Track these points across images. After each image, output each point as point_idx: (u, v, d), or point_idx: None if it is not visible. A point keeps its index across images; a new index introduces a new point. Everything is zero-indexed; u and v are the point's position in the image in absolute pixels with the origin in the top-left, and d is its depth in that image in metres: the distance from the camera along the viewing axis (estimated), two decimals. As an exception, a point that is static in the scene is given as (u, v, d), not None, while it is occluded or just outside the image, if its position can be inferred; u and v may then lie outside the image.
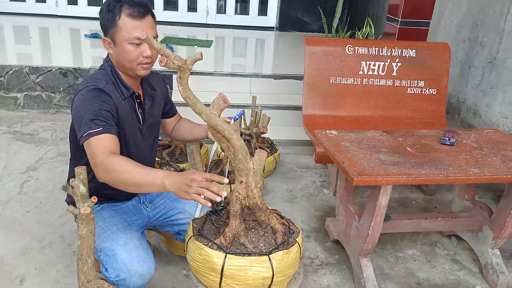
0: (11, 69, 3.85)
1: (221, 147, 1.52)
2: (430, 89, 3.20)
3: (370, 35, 4.11)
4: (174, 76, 3.90)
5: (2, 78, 3.85)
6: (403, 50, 3.15)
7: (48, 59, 4.25)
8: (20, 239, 2.29)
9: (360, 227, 2.12)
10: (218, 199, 1.33)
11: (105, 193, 1.75)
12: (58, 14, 5.94)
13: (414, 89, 3.18)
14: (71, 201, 1.72)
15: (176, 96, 3.75)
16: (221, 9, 6.30)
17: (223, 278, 1.46)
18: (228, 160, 1.84)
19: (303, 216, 2.69)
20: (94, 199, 1.43)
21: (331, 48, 3.08)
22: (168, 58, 1.26)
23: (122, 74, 1.68)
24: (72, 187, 1.42)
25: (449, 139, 2.20)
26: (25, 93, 3.91)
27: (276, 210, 1.74)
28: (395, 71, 3.15)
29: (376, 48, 3.11)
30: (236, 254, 1.45)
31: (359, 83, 3.11)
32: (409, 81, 3.17)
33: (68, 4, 5.96)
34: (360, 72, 3.10)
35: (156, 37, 1.64)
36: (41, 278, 2.04)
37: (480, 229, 2.31)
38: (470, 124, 4.14)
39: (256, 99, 2.95)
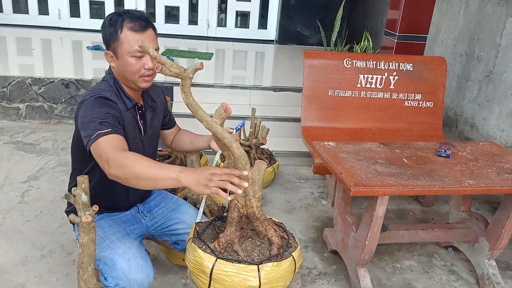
0: (14, 80, 3.89)
1: (220, 157, 1.55)
2: (427, 102, 3.24)
3: (368, 49, 4.17)
4: (175, 88, 3.95)
5: (4, 89, 3.90)
6: (400, 63, 3.20)
7: (50, 70, 4.31)
8: (20, 248, 2.31)
9: (357, 237, 2.14)
10: (240, 191, 1.34)
11: (104, 204, 1.77)
12: (61, 26, 6.02)
13: (411, 102, 3.23)
14: (70, 211, 1.75)
15: (177, 108, 3.83)
16: (221, 23, 6.39)
17: (212, 282, 1.50)
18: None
19: (302, 226, 2.71)
20: (96, 207, 1.45)
21: (329, 61, 3.13)
22: (165, 66, 1.30)
23: (124, 86, 1.72)
24: (74, 196, 1.44)
25: (445, 151, 2.23)
26: (27, 103, 3.95)
27: (281, 223, 1.76)
28: (392, 84, 3.19)
29: (374, 62, 3.17)
30: (226, 259, 1.49)
31: (357, 96, 3.15)
32: (406, 94, 3.22)
33: (71, 16, 6.04)
34: (358, 85, 3.15)
35: (157, 49, 1.68)
36: (41, 286, 2.06)
37: (476, 240, 2.34)
38: (467, 136, 4.19)
39: (256, 111, 2.99)
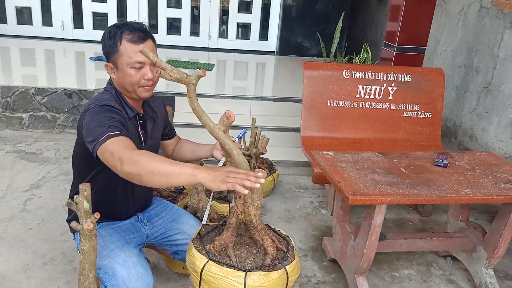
0: (17, 90, 3.94)
1: (222, 166, 1.58)
2: (425, 113, 3.28)
3: (368, 60, 4.22)
4: (177, 98, 4.00)
5: (8, 99, 3.94)
6: (399, 75, 3.25)
7: (53, 80, 4.36)
8: (22, 256, 2.33)
9: (356, 246, 2.16)
10: (258, 185, 1.35)
11: (104, 213, 1.78)
12: (64, 38, 6.09)
13: (410, 112, 3.26)
14: (71, 220, 1.77)
15: (178, 117, 3.87)
16: (223, 34, 6.46)
17: (201, 282, 1.55)
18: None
19: (301, 235, 2.73)
20: (97, 215, 1.47)
21: (328, 72, 3.17)
22: (165, 71, 1.34)
23: (125, 96, 1.75)
24: (76, 203, 1.47)
25: (442, 161, 2.26)
26: (30, 113, 4.00)
27: (288, 236, 1.75)
28: (391, 95, 3.23)
29: (373, 73, 3.21)
30: (217, 262, 1.53)
31: (356, 106, 3.19)
32: (405, 104, 3.25)
33: (74, 28, 6.12)
34: (357, 96, 3.19)
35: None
36: (42, 293, 2.08)
37: (474, 249, 2.35)
38: (466, 147, 4.21)
39: (256, 121, 3.03)
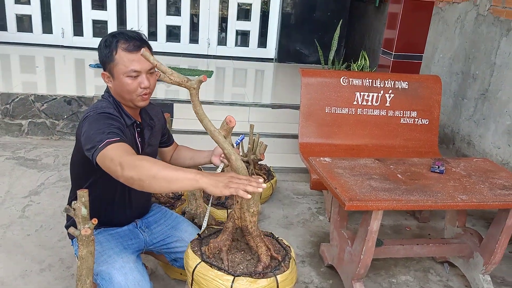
0: (17, 97, 3.96)
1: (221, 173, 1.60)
2: (422, 120, 3.30)
3: (365, 68, 4.24)
4: (175, 105, 4.02)
5: (7, 106, 3.96)
6: (396, 82, 3.27)
7: (53, 87, 4.38)
8: (20, 262, 2.33)
9: (352, 252, 2.17)
10: (260, 189, 1.36)
11: (102, 220, 1.78)
12: (64, 45, 6.12)
13: (407, 119, 3.28)
14: (69, 226, 1.78)
15: (177, 124, 3.88)
16: (222, 41, 6.49)
17: (193, 281, 1.58)
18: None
19: (299, 241, 2.74)
20: (95, 221, 1.48)
21: (326, 79, 3.20)
22: (165, 74, 1.36)
23: (122, 105, 1.75)
24: (74, 209, 1.48)
25: (438, 167, 2.27)
26: (29, 120, 4.02)
27: (289, 246, 1.74)
28: (388, 102, 3.25)
29: (370, 80, 3.23)
30: (208, 263, 1.55)
31: (353, 113, 3.21)
32: (402, 111, 3.27)
33: (74, 35, 6.15)
34: (355, 103, 3.21)
35: (153, 67, 1.71)
36: (40, 299, 2.08)
37: (471, 255, 2.36)
38: (464, 153, 4.23)
39: (255, 128, 3.05)
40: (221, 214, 2.64)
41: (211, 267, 1.54)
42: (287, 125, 4.08)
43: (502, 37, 3.77)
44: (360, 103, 3.22)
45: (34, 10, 6.00)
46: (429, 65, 4.93)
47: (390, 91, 3.25)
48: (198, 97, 1.48)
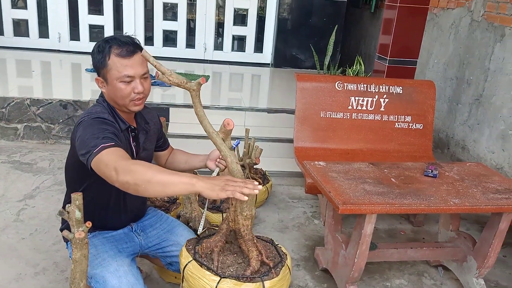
0: (13, 101, 3.96)
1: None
2: (416, 124, 3.32)
3: (360, 73, 4.27)
4: (171, 109, 4.03)
5: (3, 110, 3.96)
6: (390, 87, 3.29)
7: (49, 91, 4.38)
8: (14, 265, 2.33)
9: (347, 255, 2.18)
10: (256, 191, 1.36)
11: (97, 223, 1.77)
12: (61, 49, 6.13)
13: (402, 123, 3.30)
14: (64, 229, 1.78)
15: (172, 128, 3.89)
16: (218, 46, 6.52)
17: (183, 278, 1.60)
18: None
19: (294, 245, 2.75)
20: (89, 224, 1.48)
21: (321, 84, 3.22)
22: (164, 75, 1.38)
23: (117, 109, 1.76)
24: (68, 212, 1.48)
25: (432, 171, 2.29)
26: (25, 124, 4.01)
27: (286, 254, 1.71)
28: (383, 107, 3.28)
29: (365, 85, 3.26)
30: (199, 263, 1.56)
31: (348, 118, 3.23)
32: (396, 116, 3.29)
33: (71, 40, 6.16)
34: (349, 107, 3.23)
35: (147, 72, 1.72)
36: (34, 303, 2.08)
37: (464, 259, 2.38)
38: (458, 158, 4.25)
39: (251, 132, 3.06)
40: (216, 218, 2.65)
41: (200, 266, 1.56)
42: (283, 130, 4.10)
43: (496, 43, 3.81)
44: (355, 107, 3.24)
45: (30, 14, 6.01)
46: (424, 70, 4.97)
47: (385, 96, 3.28)
48: (200, 99, 1.49)
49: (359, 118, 3.25)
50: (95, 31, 6.24)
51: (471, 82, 4.15)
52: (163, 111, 3.98)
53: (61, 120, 4.05)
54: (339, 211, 1.89)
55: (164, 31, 6.36)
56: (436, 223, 3.14)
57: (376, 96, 3.26)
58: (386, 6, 3.86)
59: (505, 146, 3.62)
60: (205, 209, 2.04)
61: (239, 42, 6.57)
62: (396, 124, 3.29)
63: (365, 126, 3.26)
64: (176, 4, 6.23)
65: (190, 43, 6.42)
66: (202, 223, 1.98)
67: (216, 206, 2.73)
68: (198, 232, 1.94)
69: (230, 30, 6.41)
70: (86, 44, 6.14)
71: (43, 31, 6.11)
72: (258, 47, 6.54)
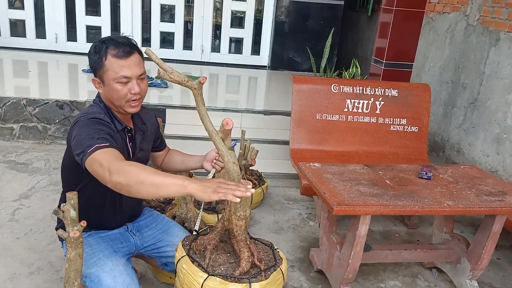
0: (9, 101, 3.96)
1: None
2: (412, 127, 3.34)
3: (356, 75, 4.29)
4: (168, 110, 4.03)
5: (-1, 109, 3.96)
6: (386, 89, 3.31)
7: (45, 92, 4.38)
8: (9, 265, 2.33)
9: (341, 256, 2.19)
10: (248, 194, 1.35)
11: (92, 223, 1.77)
12: (58, 50, 6.12)
13: (397, 126, 3.32)
14: (59, 228, 1.78)
15: (169, 129, 3.89)
16: (215, 48, 6.53)
17: (176, 273, 1.65)
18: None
19: (289, 246, 2.75)
20: (84, 223, 1.48)
21: (317, 86, 3.23)
22: (166, 72, 1.40)
23: (113, 110, 1.76)
24: (63, 211, 1.48)
25: (426, 174, 2.31)
26: (21, 124, 4.01)
27: (282, 259, 1.70)
28: (378, 109, 3.29)
29: (360, 87, 3.27)
30: (191, 258, 1.59)
31: (344, 120, 3.24)
32: (392, 118, 3.31)
33: (68, 40, 6.16)
34: (345, 110, 3.25)
35: (143, 73, 1.73)
36: (28, 303, 2.08)
37: (458, 261, 2.39)
38: (454, 161, 4.28)
39: (247, 134, 3.06)
40: (211, 218, 2.65)
41: (192, 262, 1.58)
42: (279, 132, 4.11)
43: (491, 47, 3.84)
44: (350, 110, 3.25)
45: (28, 15, 6.00)
46: (420, 74, 5.00)
47: (380, 98, 3.29)
48: (202, 97, 1.50)
49: (354, 120, 3.26)
50: (92, 32, 6.24)
51: (466, 86, 4.17)
52: (159, 112, 3.98)
53: (57, 121, 4.04)
54: (334, 212, 1.90)
55: (161, 33, 6.37)
56: (431, 225, 3.15)
57: (372, 99, 3.28)
58: (382, 10, 3.89)
59: (500, 150, 3.64)
60: (201, 210, 2.05)
61: (236, 44, 6.58)
62: (392, 127, 3.31)
63: (361, 129, 3.27)
64: (174, 6, 6.24)
65: (187, 45, 6.43)
66: (197, 223, 1.99)
67: (211, 207, 2.74)
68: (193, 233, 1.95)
69: (227, 32, 6.43)
70: (83, 45, 6.14)
71: (40, 32, 6.11)
72: (255, 50, 6.56)
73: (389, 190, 2.10)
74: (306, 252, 2.69)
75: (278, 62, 6.40)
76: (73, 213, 1.46)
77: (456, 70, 4.36)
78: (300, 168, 2.33)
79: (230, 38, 6.48)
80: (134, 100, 1.71)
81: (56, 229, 1.92)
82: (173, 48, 6.41)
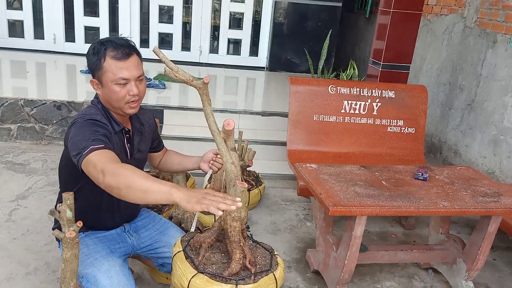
0: (7, 102, 3.96)
1: (209, 180, 1.62)
2: (409, 128, 3.35)
3: (354, 77, 4.30)
4: (166, 111, 4.04)
5: (-3, 110, 3.96)
6: (383, 91, 3.32)
7: (43, 92, 4.38)
8: (6, 265, 2.33)
9: (337, 257, 2.19)
10: (234, 207, 1.33)
11: (90, 224, 1.79)
12: (56, 51, 6.12)
13: (394, 127, 3.33)
14: (56, 228, 1.78)
15: (166, 130, 3.90)
16: (213, 49, 6.54)
17: (172, 267, 1.68)
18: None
19: (285, 247, 2.76)
20: (80, 223, 1.48)
21: (314, 87, 3.24)
22: (172, 70, 1.41)
23: (111, 111, 1.76)
24: (59, 212, 1.49)
25: (422, 175, 2.31)
26: (18, 124, 4.01)
27: (278, 264, 1.66)
28: (375, 111, 3.30)
29: (357, 89, 3.28)
30: (186, 254, 1.61)
31: (341, 121, 3.25)
32: (389, 120, 3.32)
33: (66, 41, 6.16)
34: (342, 111, 3.26)
35: (142, 74, 1.73)
36: (25, 303, 2.08)
37: (454, 261, 2.40)
38: (451, 163, 4.29)
39: (245, 135, 3.07)
40: (208, 219, 2.66)
41: (186, 258, 1.60)
42: (277, 133, 4.12)
43: (488, 49, 3.86)
44: (347, 111, 3.26)
45: (26, 15, 6.00)
46: (417, 75, 5.01)
47: (377, 100, 3.30)
48: (208, 97, 1.51)
49: (351, 121, 3.27)
50: (91, 33, 6.24)
51: (463, 88, 4.19)
52: (157, 113, 3.98)
53: (54, 121, 4.04)
54: (330, 213, 1.91)
55: (160, 34, 6.37)
56: (427, 226, 3.16)
57: (369, 100, 3.29)
58: (380, 12, 3.90)
59: (497, 151, 3.65)
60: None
61: (235, 46, 6.59)
62: (389, 128, 3.32)
63: (358, 130, 3.28)
64: (172, 7, 6.25)
65: (186, 46, 6.44)
66: (194, 224, 1.99)
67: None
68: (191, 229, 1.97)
69: (226, 33, 6.44)
70: (81, 45, 6.14)
71: (39, 32, 6.11)
72: (254, 51, 6.57)
73: (385, 191, 2.11)
74: (303, 253, 2.70)
75: (276, 63, 6.41)
76: (69, 214, 1.46)
77: (453, 72, 4.37)
78: (297, 169, 2.34)
79: (228, 39, 6.49)
80: (133, 102, 1.71)
81: (53, 229, 1.92)
82: (172, 49, 6.41)
